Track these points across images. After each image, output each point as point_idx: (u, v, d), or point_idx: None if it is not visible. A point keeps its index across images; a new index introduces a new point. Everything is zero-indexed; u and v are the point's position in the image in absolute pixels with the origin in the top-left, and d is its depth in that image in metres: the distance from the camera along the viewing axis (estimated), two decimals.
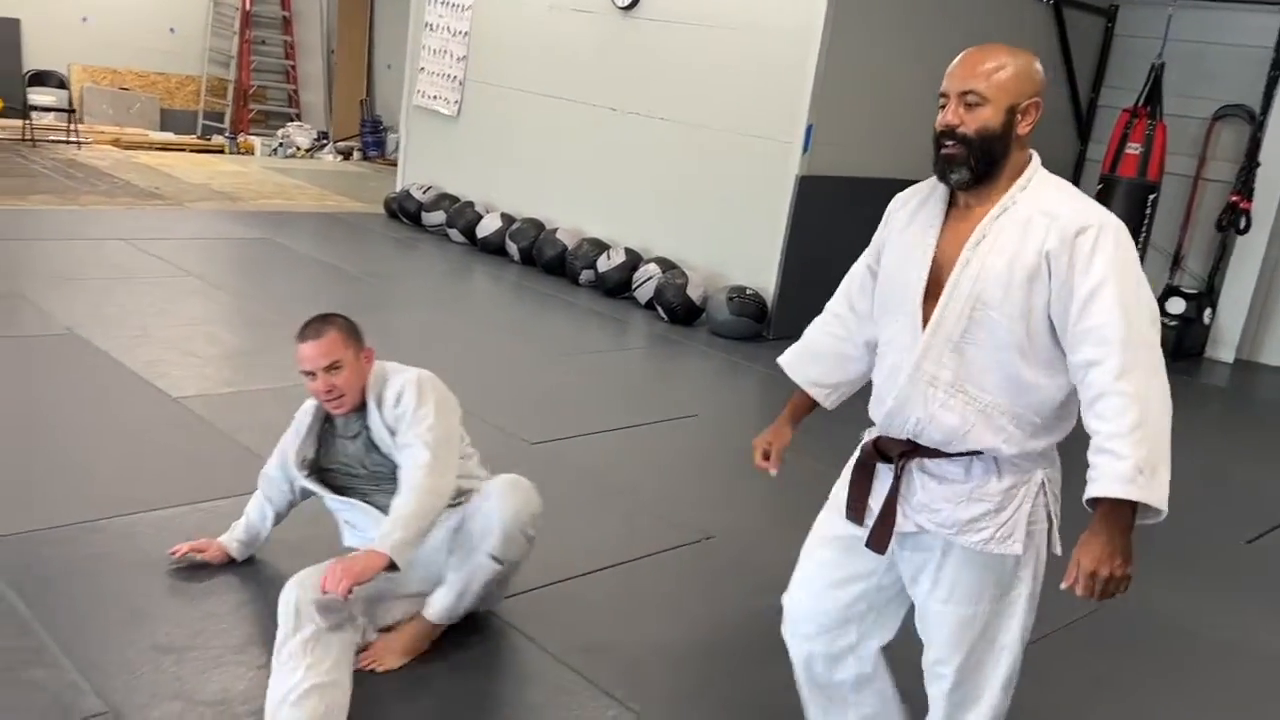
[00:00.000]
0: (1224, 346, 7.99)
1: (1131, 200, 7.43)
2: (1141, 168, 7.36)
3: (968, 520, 2.05)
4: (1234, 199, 7.66)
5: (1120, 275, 1.89)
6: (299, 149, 12.84)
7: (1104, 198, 7.55)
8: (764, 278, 6.86)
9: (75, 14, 12.31)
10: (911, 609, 2.25)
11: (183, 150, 11.98)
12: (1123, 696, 3.20)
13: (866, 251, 2.27)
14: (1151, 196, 7.45)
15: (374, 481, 2.87)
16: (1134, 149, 7.36)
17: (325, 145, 13.18)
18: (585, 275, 7.61)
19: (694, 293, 6.97)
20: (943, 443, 2.04)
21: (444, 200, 8.78)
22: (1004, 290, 1.95)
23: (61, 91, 11.45)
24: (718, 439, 4.93)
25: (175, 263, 6.71)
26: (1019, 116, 1.97)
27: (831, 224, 6.71)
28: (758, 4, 6.89)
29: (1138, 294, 1.91)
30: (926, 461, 2.08)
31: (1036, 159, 2.04)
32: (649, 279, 7.20)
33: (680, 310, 6.96)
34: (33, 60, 11.74)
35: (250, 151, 12.49)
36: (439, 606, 2.78)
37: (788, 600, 2.34)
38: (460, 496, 2.82)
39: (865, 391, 2.29)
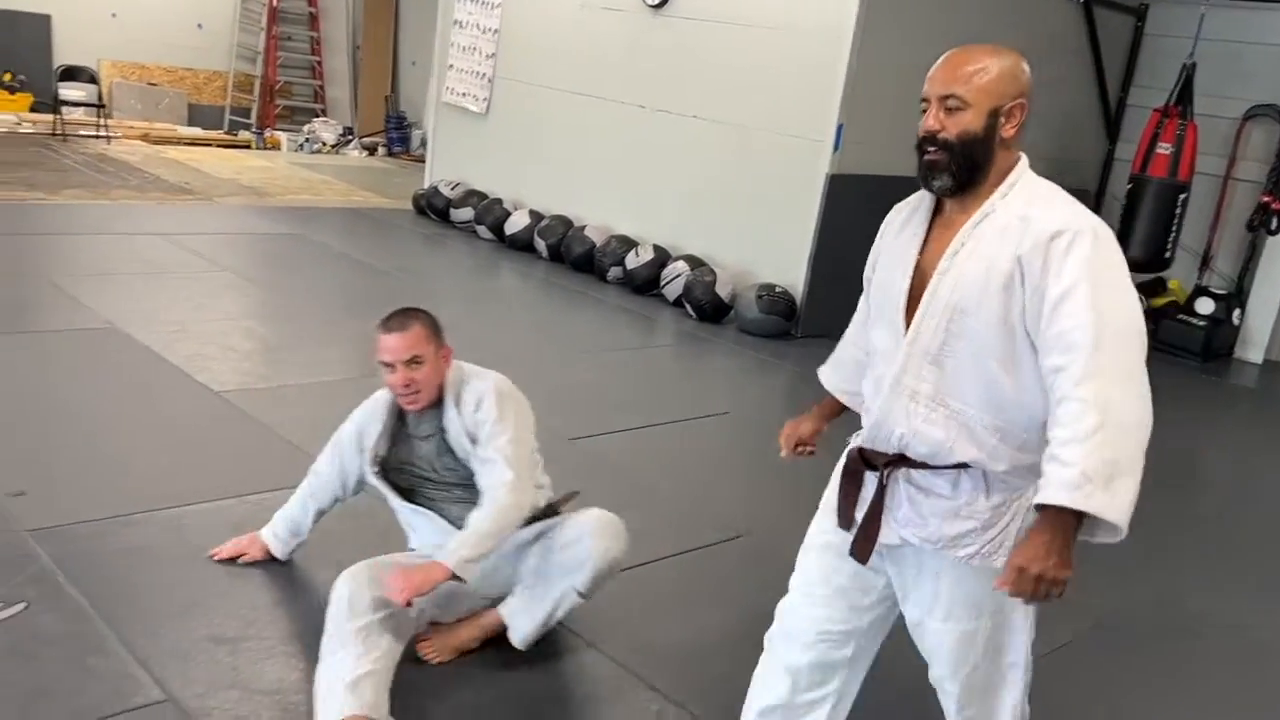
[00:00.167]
0: (1253, 347, 7.97)
1: (1162, 200, 7.43)
2: (1172, 168, 7.35)
3: (953, 536, 1.98)
4: (1264, 199, 7.64)
5: (1095, 279, 1.81)
6: (325, 144, 12.91)
7: (1134, 197, 7.55)
8: (793, 276, 6.88)
9: (105, 10, 12.40)
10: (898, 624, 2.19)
11: (210, 145, 12.06)
12: (1159, 695, 3.21)
13: (868, 262, 2.22)
14: (1182, 196, 7.44)
15: (443, 487, 2.86)
16: (1165, 149, 7.35)
17: (350, 141, 13.25)
18: (613, 272, 7.64)
19: (723, 290, 6.99)
20: (929, 455, 1.98)
21: (472, 197, 8.83)
22: (980, 298, 1.89)
23: (91, 86, 11.53)
24: (750, 436, 4.96)
25: (209, 257, 6.78)
26: (1002, 119, 1.92)
27: (861, 223, 6.68)
28: (789, 3, 6.90)
29: (1114, 299, 1.83)
30: (913, 473, 2.01)
31: (1024, 163, 1.99)
32: (677, 276, 7.23)
33: (709, 308, 6.98)
34: (63, 55, 11.83)
35: (277, 147, 12.57)
36: (524, 633, 2.79)
37: (786, 608, 2.26)
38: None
39: None
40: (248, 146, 12.44)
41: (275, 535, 3.11)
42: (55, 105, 10.84)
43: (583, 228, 7.97)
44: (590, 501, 3.00)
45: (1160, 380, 6.24)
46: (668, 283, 7.28)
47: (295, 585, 3.10)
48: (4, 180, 8.28)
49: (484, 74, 8.97)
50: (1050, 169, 7.52)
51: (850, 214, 6.76)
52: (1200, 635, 3.61)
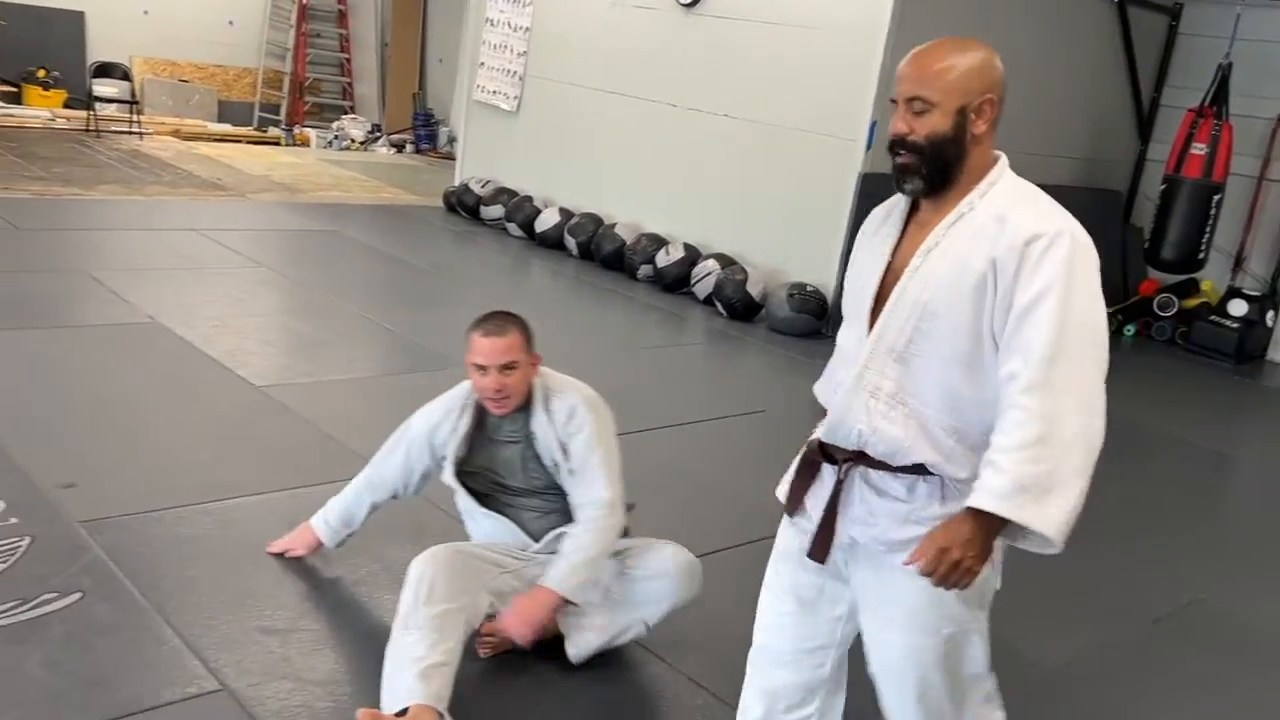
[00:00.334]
0: None
1: (1196, 201, 7.39)
2: (1207, 168, 7.30)
3: (900, 541, 1.92)
4: None
5: (1064, 288, 1.76)
6: (353, 141, 12.98)
7: (1167, 198, 7.51)
8: (825, 274, 6.88)
9: (137, 7, 12.51)
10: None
11: (240, 142, 12.14)
12: (1209, 698, 3.21)
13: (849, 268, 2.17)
14: (1216, 197, 7.40)
15: (521, 494, 2.85)
16: (1199, 149, 7.31)
17: (379, 138, 13.32)
18: (643, 270, 7.66)
19: (753, 289, 7.00)
20: (888, 455, 1.92)
21: (502, 194, 8.86)
22: (951, 298, 1.84)
23: (124, 83, 11.64)
24: (787, 434, 4.92)
25: (244, 253, 6.84)
26: (972, 116, 1.86)
27: None
28: (821, 1, 6.90)
29: (1081, 310, 1.78)
30: (871, 473, 1.96)
31: (1003, 162, 1.94)
32: (708, 274, 7.24)
33: (739, 306, 6.99)
34: (96, 52, 11.94)
35: (306, 143, 12.65)
36: (584, 650, 2.80)
37: (759, 626, 2.19)
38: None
39: None
40: (277, 143, 12.53)
41: (326, 523, 3.08)
42: (89, 101, 10.95)
43: (613, 226, 7.99)
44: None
45: (1193, 382, 6.28)
46: (698, 281, 7.30)
47: (342, 578, 3.13)
48: (41, 176, 8.38)
49: (515, 72, 9.01)
50: (1081, 169, 7.56)
51: None
52: (1232, 635, 3.60)
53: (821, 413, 2.20)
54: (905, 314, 1.89)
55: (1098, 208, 8.28)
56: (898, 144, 1.90)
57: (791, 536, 2.12)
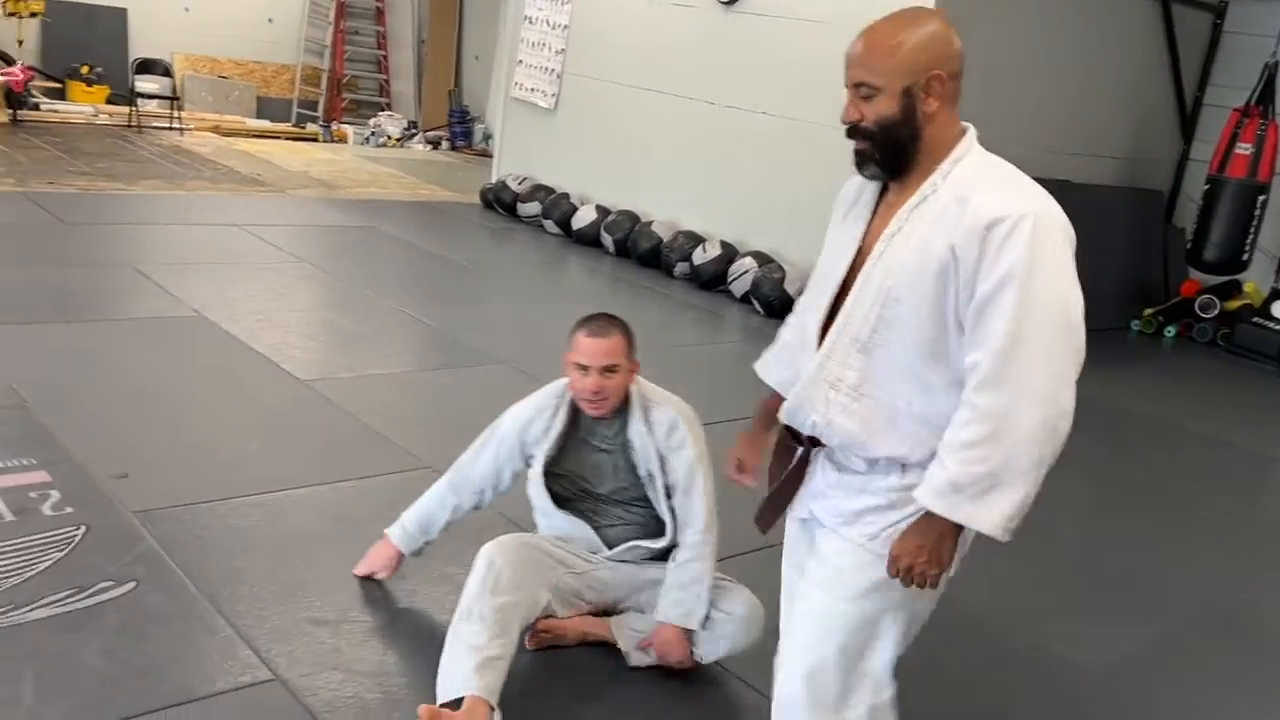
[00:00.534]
0: None
1: (1240, 201, 7.31)
2: (1252, 168, 7.22)
3: (854, 513, 1.89)
4: None
5: (1026, 274, 1.69)
6: (390, 138, 13.06)
7: (1211, 198, 7.43)
8: None
9: (179, 4, 12.66)
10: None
11: (278, 138, 12.25)
12: (1251, 700, 3.18)
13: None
14: (1261, 198, 7.31)
15: (607, 502, 2.84)
16: (1244, 149, 7.23)
17: (415, 135, 13.40)
18: (680, 268, 7.66)
19: (791, 287, 6.98)
20: (841, 447, 1.90)
21: (539, 191, 8.89)
22: (914, 284, 1.78)
23: (165, 79, 11.78)
24: None
25: (286, 249, 6.90)
26: (921, 95, 1.79)
27: None
28: None
29: (1045, 297, 1.70)
30: (835, 451, 1.94)
31: (970, 137, 1.85)
32: (745, 272, 7.24)
33: (777, 304, 6.98)
34: (138, 49, 12.09)
35: (343, 140, 12.74)
36: (639, 663, 2.82)
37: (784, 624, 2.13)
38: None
39: None
40: (315, 139, 12.63)
41: (404, 529, 2.98)
42: (131, 97, 11.08)
43: (649, 223, 8.00)
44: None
45: (1235, 384, 6.20)
46: (735, 279, 7.29)
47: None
48: (86, 171, 8.49)
49: (553, 69, 9.03)
50: (1123, 169, 7.46)
51: None
52: (1277, 636, 3.57)
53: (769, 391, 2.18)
54: (869, 301, 1.83)
55: (1139, 208, 8.21)
56: (850, 131, 1.87)
57: (789, 533, 2.14)
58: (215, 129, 11.82)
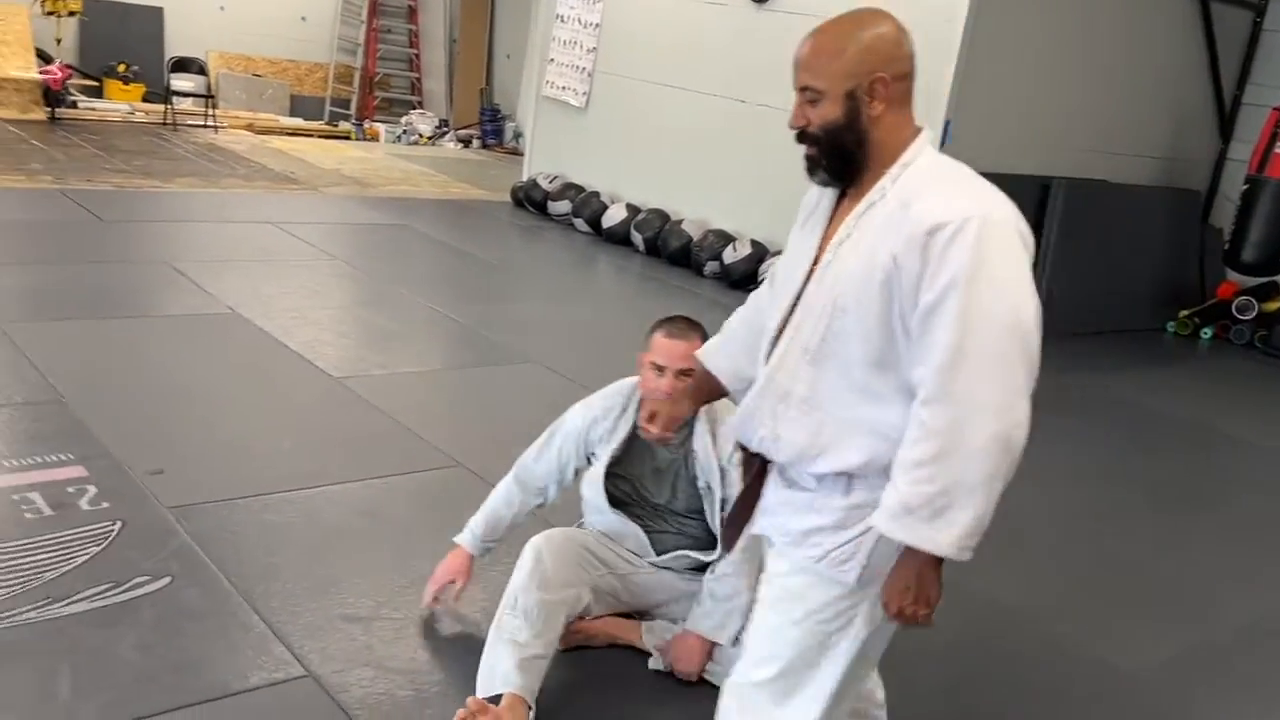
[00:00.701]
0: None
1: (1279, 202, 7.20)
2: None
3: (801, 533, 1.83)
4: None
5: (969, 283, 1.62)
6: (421, 136, 13.12)
7: (1249, 199, 7.34)
8: None
9: (214, 3, 12.78)
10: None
11: (311, 136, 12.33)
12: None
13: None
14: None
15: (663, 511, 2.82)
16: None
17: (446, 133, 13.45)
18: (710, 267, 7.64)
19: None
20: (790, 462, 1.84)
21: (570, 190, 8.90)
22: (860, 294, 1.72)
23: (200, 78, 11.90)
24: None
25: (319, 246, 6.95)
26: (865, 99, 1.74)
27: None
28: None
29: (991, 304, 1.63)
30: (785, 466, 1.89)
31: (922, 138, 1.79)
32: None
33: None
34: (174, 47, 12.22)
35: (375, 138, 12.81)
36: (654, 661, 2.82)
37: None
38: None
39: None
40: (347, 137, 12.70)
41: (473, 533, 2.91)
42: (166, 95, 11.19)
43: (680, 222, 7.99)
44: None
45: (1273, 386, 6.10)
46: (765, 278, 7.26)
47: (421, 570, 3.15)
48: (122, 168, 8.58)
49: (584, 68, 9.04)
50: (1161, 169, 7.38)
51: None
52: None
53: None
54: (818, 312, 1.78)
55: (1176, 208, 8.11)
56: (799, 137, 1.82)
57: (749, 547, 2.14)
58: (249, 127, 11.92)
